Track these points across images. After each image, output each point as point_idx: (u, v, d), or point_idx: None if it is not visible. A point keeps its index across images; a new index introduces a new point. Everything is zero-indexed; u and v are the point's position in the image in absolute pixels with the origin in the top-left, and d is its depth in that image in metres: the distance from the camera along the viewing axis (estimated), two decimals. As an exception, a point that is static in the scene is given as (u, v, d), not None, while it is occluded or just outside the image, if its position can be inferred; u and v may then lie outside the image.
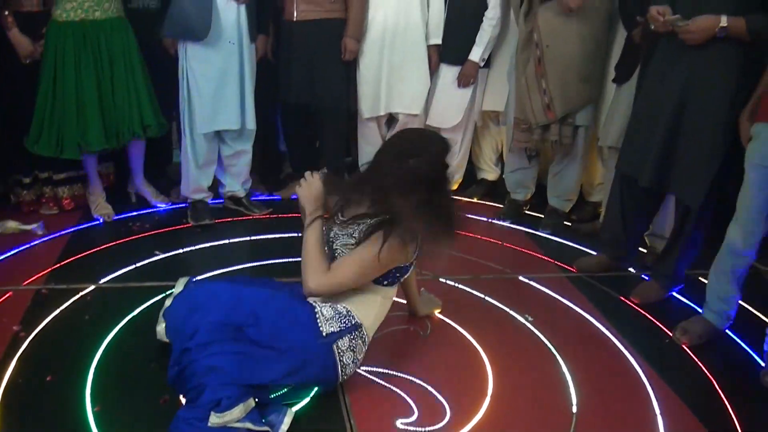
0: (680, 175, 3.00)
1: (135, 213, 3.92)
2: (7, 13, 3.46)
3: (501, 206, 4.28)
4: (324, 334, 2.26)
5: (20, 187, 3.84)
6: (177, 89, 3.72)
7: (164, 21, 3.51)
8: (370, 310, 2.37)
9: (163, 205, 4.00)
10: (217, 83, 3.62)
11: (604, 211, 3.63)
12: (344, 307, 2.33)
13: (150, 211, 3.97)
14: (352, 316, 2.32)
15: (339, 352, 2.28)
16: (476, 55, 4.02)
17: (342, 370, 2.30)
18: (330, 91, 3.95)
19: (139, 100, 3.60)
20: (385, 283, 2.38)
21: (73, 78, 3.45)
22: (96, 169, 3.83)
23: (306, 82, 3.92)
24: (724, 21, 2.73)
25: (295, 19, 3.83)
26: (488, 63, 4.15)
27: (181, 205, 3.99)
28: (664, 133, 3.00)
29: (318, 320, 2.28)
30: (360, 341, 2.34)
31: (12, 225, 3.60)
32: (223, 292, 2.28)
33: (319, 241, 2.32)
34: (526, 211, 4.26)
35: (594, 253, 3.61)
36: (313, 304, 2.33)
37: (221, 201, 4.07)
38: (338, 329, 2.29)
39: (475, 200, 4.47)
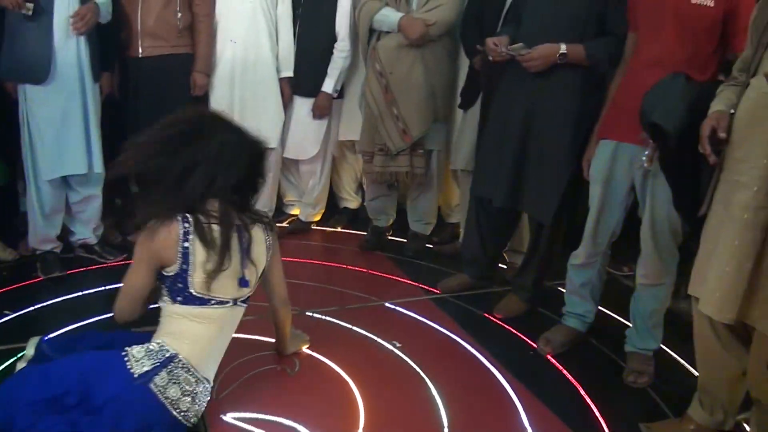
0: (531, 195, 3.13)
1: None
2: None
3: (364, 233, 4.29)
4: (136, 375, 2.13)
5: None
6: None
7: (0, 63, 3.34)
8: (182, 336, 2.22)
9: (11, 259, 3.75)
10: (59, 126, 3.44)
11: (464, 232, 3.72)
12: (156, 343, 2.21)
13: (-5, 267, 3.71)
14: (165, 349, 2.19)
15: (159, 390, 2.14)
16: (329, 86, 4.03)
17: (175, 407, 2.16)
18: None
19: None
20: (178, 299, 2.22)
21: None
22: (-70, 226, 3.56)
23: (155, 118, 3.76)
24: (563, 48, 2.90)
25: (140, 56, 3.71)
26: (341, 93, 4.17)
27: (30, 258, 3.75)
28: (513, 155, 3.12)
29: (128, 363, 2.14)
30: (182, 371, 2.18)
31: None
32: (27, 374, 2.17)
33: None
34: (389, 237, 4.30)
35: (457, 273, 3.68)
36: (125, 348, 2.19)
37: (71, 252, 3.85)
38: (151, 366, 2.14)
39: (338, 229, 4.47)
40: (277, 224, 4.30)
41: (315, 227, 4.46)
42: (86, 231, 3.80)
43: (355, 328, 3.11)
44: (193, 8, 3.78)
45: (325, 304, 3.33)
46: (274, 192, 4.36)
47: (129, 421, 2.09)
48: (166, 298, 2.25)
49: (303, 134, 4.19)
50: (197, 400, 2.22)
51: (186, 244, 2.18)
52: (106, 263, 3.78)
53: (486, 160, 3.33)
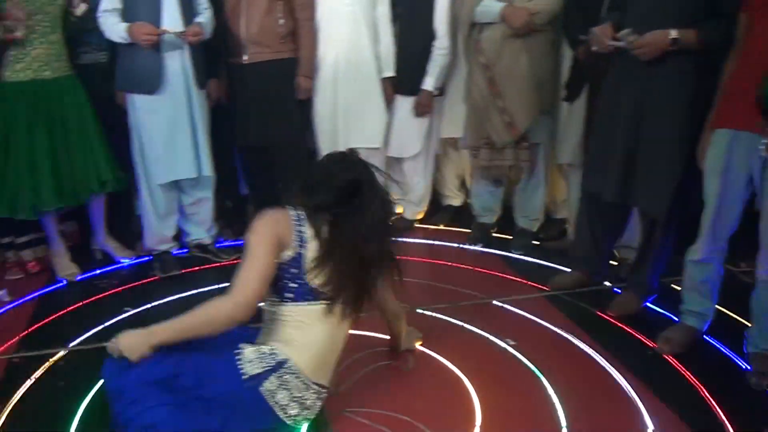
0: (642, 189, 3.04)
1: (100, 271, 3.82)
2: None
3: (469, 231, 4.27)
4: (246, 377, 2.16)
5: (-19, 254, 3.73)
6: (132, 141, 3.68)
7: (116, 72, 3.50)
8: (292, 343, 2.23)
9: (128, 260, 3.92)
10: (167, 133, 3.58)
11: (574, 229, 3.65)
12: (268, 347, 2.22)
13: (115, 267, 3.87)
14: (275, 354, 2.20)
15: (268, 394, 2.18)
16: (429, 84, 4.03)
17: (283, 412, 2.20)
18: (287, 131, 3.92)
19: (94, 156, 3.55)
20: (288, 296, 2.24)
21: (26, 139, 3.39)
22: (57, 229, 3.73)
23: (262, 124, 3.89)
24: (674, 33, 2.79)
25: (245, 62, 3.80)
26: (442, 91, 4.16)
27: (146, 259, 3.90)
28: (624, 147, 3.04)
29: (239, 363, 2.18)
30: (292, 377, 2.20)
31: None
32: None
33: (180, 329, 2.17)
34: (495, 234, 4.26)
35: (566, 270, 3.62)
36: (239, 347, 2.22)
37: (187, 251, 3.99)
38: (261, 370, 2.17)
39: (442, 227, 4.46)
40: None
41: (419, 225, 4.47)
42: (200, 231, 3.94)
43: (467, 325, 3.09)
44: (295, 14, 3.85)
45: (435, 302, 3.32)
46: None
47: (237, 419, 2.14)
48: (273, 298, 2.28)
49: (405, 132, 4.20)
50: (307, 406, 2.25)
51: (301, 228, 2.24)
52: (220, 262, 3.89)
53: (595, 154, 3.26)
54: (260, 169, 4.14)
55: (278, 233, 2.21)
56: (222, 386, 2.14)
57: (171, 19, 3.47)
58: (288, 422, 2.22)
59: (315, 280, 2.23)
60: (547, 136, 3.91)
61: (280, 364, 2.19)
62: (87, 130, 3.53)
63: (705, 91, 2.84)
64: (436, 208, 4.62)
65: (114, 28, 3.40)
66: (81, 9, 3.50)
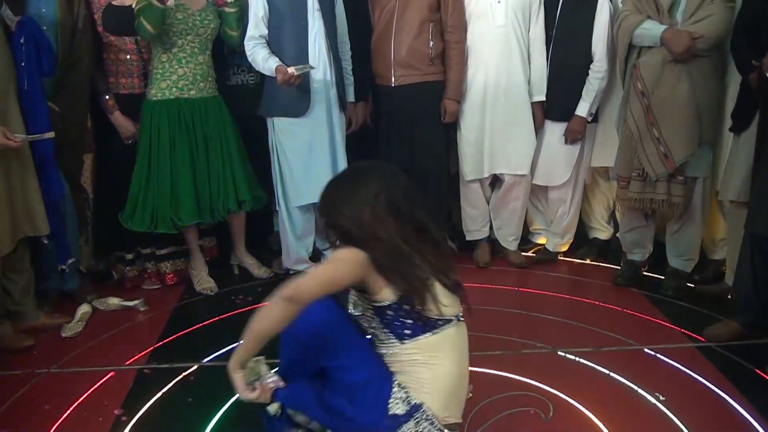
0: None
1: (238, 286, 3.87)
2: (108, 97, 3.57)
3: (616, 267, 4.03)
4: (389, 413, 2.04)
5: (123, 264, 3.87)
6: (272, 162, 3.74)
7: (262, 97, 3.57)
8: (420, 384, 2.07)
9: (266, 277, 3.94)
10: (306, 157, 3.60)
11: (735, 274, 3.34)
12: (405, 390, 2.09)
13: (253, 283, 3.91)
14: (410, 398, 2.06)
15: None
16: (583, 110, 3.84)
17: None
18: (430, 154, 3.87)
19: (234, 175, 3.62)
20: (407, 333, 2.06)
21: (168, 155, 3.50)
22: (197, 243, 3.83)
23: (406, 146, 3.85)
24: None
25: (393, 84, 3.77)
26: (596, 117, 3.95)
27: (283, 276, 3.91)
28: None
29: (391, 399, 2.05)
30: (427, 423, 2.04)
31: (114, 302, 3.61)
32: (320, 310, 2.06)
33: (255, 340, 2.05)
34: (645, 273, 3.99)
35: (723, 318, 3.31)
36: (397, 379, 2.09)
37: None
38: (403, 412, 2.04)
39: (588, 261, 4.23)
40: (523, 253, 4.25)
41: (562, 258, 4.27)
42: (335, 252, 3.90)
43: (611, 373, 2.86)
44: (445, 36, 3.79)
45: (577, 344, 3.11)
46: (521, 219, 4.22)
47: None
48: (392, 341, 2.11)
49: (554, 160, 4.02)
50: None
51: None
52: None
53: (764, 192, 2.97)
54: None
55: (349, 271, 2.00)
56: (366, 412, 2.06)
57: (316, 49, 3.50)
58: None
59: (432, 306, 2.06)
60: (707, 170, 3.61)
61: (416, 408, 2.07)
62: (229, 149, 3.60)
63: None
64: (582, 241, 4.39)
65: (264, 64, 3.47)
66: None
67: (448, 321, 2.09)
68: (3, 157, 3.01)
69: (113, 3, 3.55)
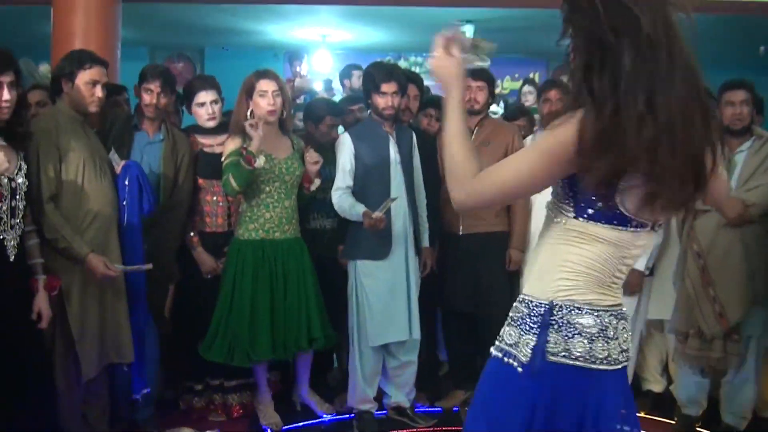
0: None
1: (302, 423, 3.93)
2: (192, 234, 3.78)
3: (670, 422, 4.05)
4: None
5: (191, 394, 3.96)
6: (346, 301, 3.87)
7: (345, 242, 3.79)
8: (563, 267, 1.63)
9: (329, 416, 4.01)
10: (386, 298, 3.74)
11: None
12: (520, 300, 1.72)
13: (316, 421, 3.97)
14: (530, 303, 1.66)
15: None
16: (641, 264, 3.99)
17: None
18: (495, 301, 3.95)
19: (308, 315, 3.75)
20: (588, 214, 1.61)
21: (250, 292, 3.65)
22: (266, 377, 3.92)
23: (472, 291, 4.00)
24: None
25: (460, 233, 3.98)
26: (652, 271, 4.10)
27: (345, 416, 3.98)
28: None
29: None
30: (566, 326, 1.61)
31: None
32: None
33: (464, 134, 1.67)
34: (699, 428, 4.00)
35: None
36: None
37: (385, 412, 4.03)
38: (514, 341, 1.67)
39: (642, 414, 4.25)
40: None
41: (619, 410, 4.28)
42: (401, 395, 3.98)
43: None
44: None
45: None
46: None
47: None
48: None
49: (612, 312, 4.13)
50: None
51: None
52: (416, 428, 3.91)
53: None
54: (463, 336, 4.22)
55: (570, 152, 1.53)
56: None
57: (398, 198, 3.72)
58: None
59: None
60: (762, 329, 3.71)
61: (547, 313, 1.67)
62: (306, 290, 3.75)
63: None
64: (636, 393, 4.41)
65: (351, 210, 3.68)
66: (315, 184, 3.81)
67: (644, 225, 1.66)
68: (100, 285, 3.20)
69: (205, 150, 3.84)
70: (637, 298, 4.12)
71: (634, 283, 4.03)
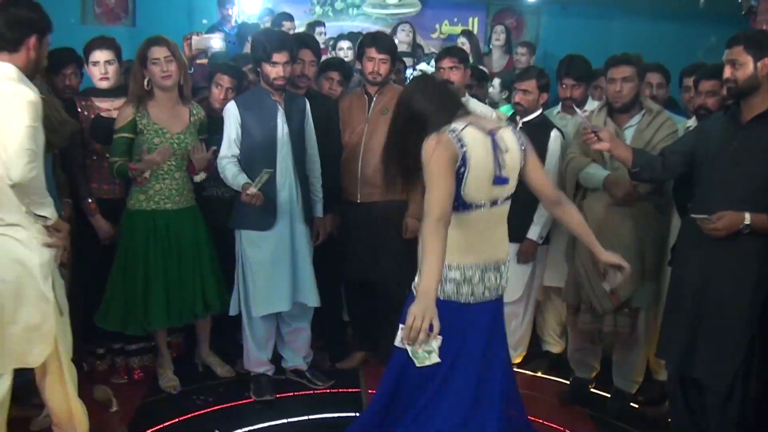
0: (704, 361, 3.02)
1: (200, 384, 4.02)
2: (90, 200, 3.78)
3: (566, 382, 4.19)
4: None
5: (94, 357, 4.04)
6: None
7: (232, 211, 3.79)
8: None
9: (228, 376, 4.11)
10: (269, 268, 3.75)
11: (669, 402, 3.51)
12: None
13: (215, 382, 4.07)
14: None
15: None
16: (534, 233, 4.08)
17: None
18: (393, 269, 3.99)
19: (203, 282, 3.80)
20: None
21: (142, 261, 3.69)
22: (166, 342, 4.00)
23: (370, 260, 4.06)
24: (747, 219, 2.89)
25: (358, 201, 4.03)
26: (547, 239, 4.19)
27: (244, 376, 4.06)
28: (687, 318, 3.08)
29: None
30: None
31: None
32: None
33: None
34: (593, 389, 4.14)
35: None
36: None
37: (284, 374, 4.12)
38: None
39: (539, 374, 4.39)
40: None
41: (515, 370, 4.39)
42: (297, 358, 4.08)
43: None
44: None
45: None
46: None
47: None
48: None
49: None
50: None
51: (463, 149, 2.53)
52: (314, 389, 4.01)
53: (666, 322, 3.29)
54: (363, 300, 4.31)
55: (452, 151, 2.52)
56: None
57: (283, 170, 3.74)
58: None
59: (475, 193, 2.66)
60: (650, 301, 3.81)
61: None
62: (201, 257, 3.80)
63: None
64: (535, 354, 4.56)
65: (233, 180, 3.63)
66: (200, 176, 3.81)
67: (480, 206, 2.71)
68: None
69: (102, 114, 3.80)
70: (531, 266, 4.21)
71: (528, 252, 4.12)
